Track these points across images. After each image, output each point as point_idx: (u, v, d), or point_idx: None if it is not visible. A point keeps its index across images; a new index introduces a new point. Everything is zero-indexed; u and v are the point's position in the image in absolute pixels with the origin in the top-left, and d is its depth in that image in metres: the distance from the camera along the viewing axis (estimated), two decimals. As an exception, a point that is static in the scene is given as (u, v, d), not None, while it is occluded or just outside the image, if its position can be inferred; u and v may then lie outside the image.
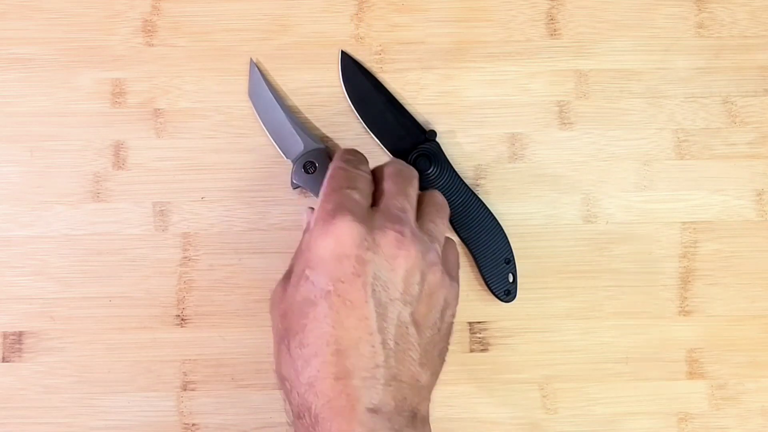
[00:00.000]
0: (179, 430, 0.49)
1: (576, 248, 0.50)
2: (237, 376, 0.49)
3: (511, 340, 0.50)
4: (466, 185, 0.49)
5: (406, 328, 0.36)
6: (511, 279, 0.48)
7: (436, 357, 0.39)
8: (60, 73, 0.50)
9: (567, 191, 0.50)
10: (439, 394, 0.49)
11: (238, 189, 0.50)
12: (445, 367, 0.49)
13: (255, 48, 0.51)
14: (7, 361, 0.49)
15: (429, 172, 0.48)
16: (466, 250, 0.49)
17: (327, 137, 0.50)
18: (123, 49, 0.51)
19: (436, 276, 0.38)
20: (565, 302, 0.50)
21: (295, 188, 0.49)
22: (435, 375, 0.39)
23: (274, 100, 0.49)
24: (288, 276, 0.39)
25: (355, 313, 0.35)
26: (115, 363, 0.49)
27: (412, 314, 0.37)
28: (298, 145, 0.49)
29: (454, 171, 0.49)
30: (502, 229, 0.49)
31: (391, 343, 0.36)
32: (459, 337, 0.49)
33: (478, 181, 0.50)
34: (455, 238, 0.49)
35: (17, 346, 0.49)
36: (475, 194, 0.49)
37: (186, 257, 0.49)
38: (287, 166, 0.50)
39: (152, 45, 0.51)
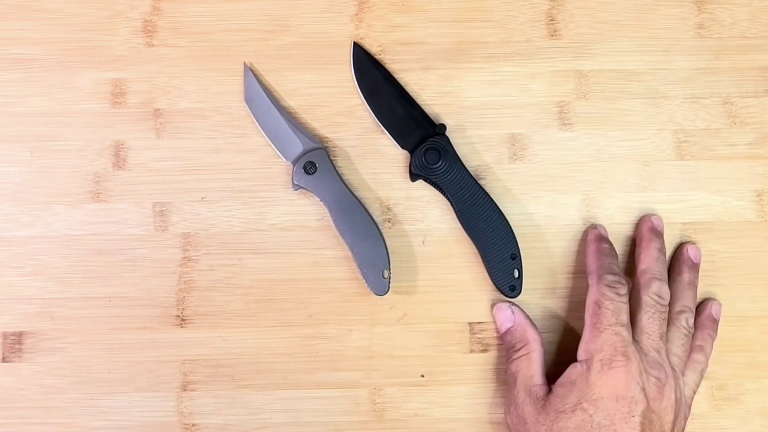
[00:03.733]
0: (179, 430, 0.49)
1: (576, 248, 0.50)
2: (237, 376, 0.49)
3: (511, 340, 0.49)
4: (474, 180, 0.49)
5: None
6: (516, 275, 0.48)
7: None
8: (60, 73, 0.50)
9: (567, 191, 0.50)
10: (439, 394, 0.49)
11: (238, 189, 0.50)
12: (445, 368, 0.49)
13: (255, 48, 0.51)
14: (7, 361, 0.49)
15: (437, 165, 0.48)
16: (473, 245, 0.49)
17: (327, 137, 0.50)
18: (123, 50, 0.51)
19: (686, 407, 0.45)
20: (565, 302, 0.50)
21: (296, 189, 0.49)
22: None
23: (270, 103, 0.49)
24: (536, 396, 0.45)
25: None
26: (115, 363, 0.49)
27: None
28: (297, 146, 0.49)
29: (463, 165, 0.49)
30: (509, 224, 0.48)
31: None
32: (459, 338, 0.49)
33: (478, 182, 0.50)
34: (462, 233, 0.49)
35: (17, 346, 0.49)
36: (483, 189, 0.48)
37: (186, 257, 0.49)
38: (287, 166, 0.50)
39: (152, 45, 0.51)
